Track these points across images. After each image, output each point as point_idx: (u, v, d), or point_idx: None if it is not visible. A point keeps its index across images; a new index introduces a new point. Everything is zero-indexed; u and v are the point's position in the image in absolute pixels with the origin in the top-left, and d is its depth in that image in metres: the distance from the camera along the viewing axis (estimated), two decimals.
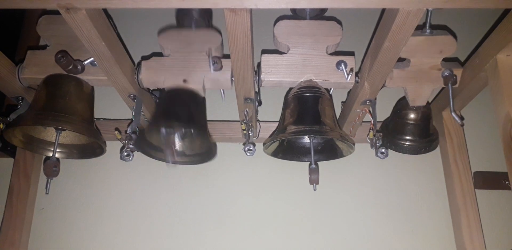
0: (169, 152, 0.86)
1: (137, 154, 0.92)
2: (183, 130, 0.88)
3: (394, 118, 0.96)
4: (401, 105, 0.94)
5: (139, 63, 0.83)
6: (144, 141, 0.88)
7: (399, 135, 0.95)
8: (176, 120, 0.82)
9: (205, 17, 0.92)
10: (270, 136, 0.99)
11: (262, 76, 0.82)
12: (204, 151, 0.92)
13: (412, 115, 0.92)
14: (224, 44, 0.84)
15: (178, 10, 0.92)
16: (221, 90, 0.91)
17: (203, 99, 0.86)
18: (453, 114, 0.83)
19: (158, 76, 0.82)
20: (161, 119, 0.85)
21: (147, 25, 1.20)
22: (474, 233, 0.95)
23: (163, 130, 0.83)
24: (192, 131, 0.87)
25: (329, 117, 0.85)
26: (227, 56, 0.77)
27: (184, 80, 0.81)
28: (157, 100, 0.94)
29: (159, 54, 0.85)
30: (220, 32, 0.85)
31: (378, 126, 0.89)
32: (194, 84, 0.81)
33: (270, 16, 0.92)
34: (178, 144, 0.90)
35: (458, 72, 0.84)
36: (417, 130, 0.94)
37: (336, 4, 0.60)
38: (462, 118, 0.85)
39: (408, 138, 0.95)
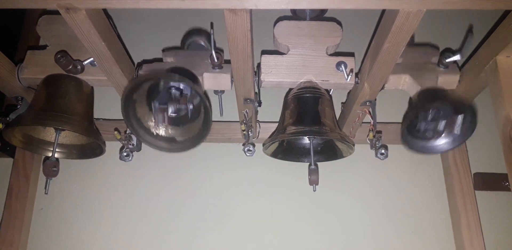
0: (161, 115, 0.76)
1: (137, 155, 0.92)
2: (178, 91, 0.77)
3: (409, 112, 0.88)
4: (423, 95, 0.83)
5: (139, 64, 0.83)
6: (133, 112, 0.78)
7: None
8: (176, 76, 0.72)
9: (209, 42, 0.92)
10: (269, 137, 0.99)
11: (262, 77, 0.82)
12: (196, 133, 0.83)
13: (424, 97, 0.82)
14: (224, 44, 0.84)
15: (184, 38, 0.94)
16: (220, 104, 0.92)
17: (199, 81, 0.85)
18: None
19: (156, 75, 0.82)
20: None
21: (147, 26, 1.20)
22: (474, 234, 0.95)
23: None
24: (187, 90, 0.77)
25: (329, 118, 0.85)
26: (226, 57, 0.77)
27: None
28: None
29: (161, 60, 0.86)
30: (222, 51, 0.86)
31: (378, 126, 0.89)
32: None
33: (270, 16, 0.92)
34: (170, 129, 0.83)
35: (455, 75, 0.84)
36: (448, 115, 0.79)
37: (336, 5, 0.60)
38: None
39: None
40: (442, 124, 0.78)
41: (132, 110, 0.77)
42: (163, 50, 0.86)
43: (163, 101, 0.74)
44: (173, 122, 0.79)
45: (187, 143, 0.82)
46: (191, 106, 0.75)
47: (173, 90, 0.75)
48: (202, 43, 0.91)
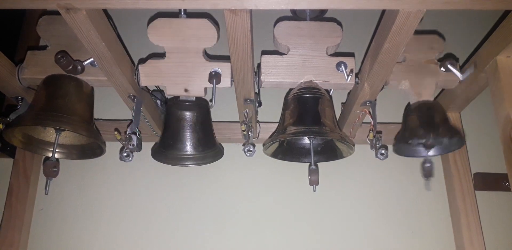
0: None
1: (137, 155, 0.92)
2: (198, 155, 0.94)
3: (405, 124, 0.89)
4: (409, 109, 0.87)
5: (138, 67, 0.82)
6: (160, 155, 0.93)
7: (414, 138, 0.83)
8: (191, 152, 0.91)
9: None
10: (270, 137, 0.99)
11: (262, 77, 0.81)
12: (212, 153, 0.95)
13: (422, 113, 0.84)
14: (224, 45, 0.84)
15: None
16: (213, 96, 0.90)
17: (208, 110, 0.91)
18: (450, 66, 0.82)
19: (159, 83, 0.82)
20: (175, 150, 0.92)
21: (147, 26, 1.19)
22: (474, 234, 0.95)
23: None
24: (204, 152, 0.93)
25: (329, 118, 0.85)
26: (227, 57, 0.77)
27: (186, 90, 0.81)
28: (162, 116, 0.96)
29: (156, 55, 0.85)
30: (216, 23, 0.81)
31: (378, 127, 0.89)
32: (195, 93, 0.81)
33: (270, 17, 0.92)
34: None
35: (454, 81, 0.85)
36: (434, 128, 0.82)
37: (336, 5, 0.60)
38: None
39: (425, 136, 0.82)
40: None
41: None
42: (148, 26, 0.80)
43: None
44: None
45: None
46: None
47: None
48: None
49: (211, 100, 0.81)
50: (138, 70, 0.81)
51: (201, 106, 0.91)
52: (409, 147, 0.89)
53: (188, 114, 0.90)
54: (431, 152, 0.87)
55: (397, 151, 0.90)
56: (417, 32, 0.83)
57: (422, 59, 0.85)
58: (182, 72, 0.80)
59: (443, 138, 0.83)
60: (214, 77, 0.78)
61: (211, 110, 0.94)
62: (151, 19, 0.80)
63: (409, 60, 0.85)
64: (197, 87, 0.81)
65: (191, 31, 0.79)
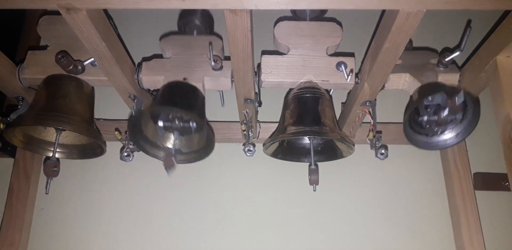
0: (168, 162, 0.83)
1: (137, 155, 0.92)
2: (182, 120, 0.81)
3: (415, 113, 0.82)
4: (418, 94, 0.81)
5: (140, 64, 0.83)
6: (140, 133, 0.84)
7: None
8: (175, 108, 0.78)
9: (207, 25, 0.94)
10: (270, 137, 0.99)
11: (262, 77, 0.82)
12: (201, 147, 0.88)
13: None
14: (224, 45, 0.84)
15: (180, 18, 0.94)
16: (221, 95, 0.92)
17: (203, 95, 0.86)
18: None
19: (158, 76, 0.82)
20: (159, 109, 0.81)
21: (147, 26, 1.20)
22: (474, 234, 0.95)
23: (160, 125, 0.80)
24: (191, 122, 0.81)
25: (329, 118, 0.85)
26: (227, 57, 0.77)
27: (184, 79, 0.81)
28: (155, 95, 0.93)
29: (160, 56, 0.86)
30: (221, 38, 0.86)
31: (378, 126, 0.89)
32: (194, 83, 0.82)
33: (270, 17, 0.92)
34: (175, 142, 0.87)
35: (455, 75, 0.84)
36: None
37: (336, 5, 0.60)
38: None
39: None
40: (443, 114, 0.76)
41: (139, 132, 0.83)
42: (160, 39, 0.87)
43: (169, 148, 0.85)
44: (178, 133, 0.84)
45: (192, 155, 0.88)
46: (194, 125, 0.80)
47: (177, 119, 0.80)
48: (198, 23, 0.93)
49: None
50: (141, 65, 0.82)
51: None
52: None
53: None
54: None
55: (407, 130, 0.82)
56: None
57: (418, 61, 0.86)
58: (184, 66, 0.83)
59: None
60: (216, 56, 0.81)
61: (211, 109, 0.94)
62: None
63: (405, 63, 0.86)
64: (197, 75, 0.82)
65: (199, 42, 0.85)
